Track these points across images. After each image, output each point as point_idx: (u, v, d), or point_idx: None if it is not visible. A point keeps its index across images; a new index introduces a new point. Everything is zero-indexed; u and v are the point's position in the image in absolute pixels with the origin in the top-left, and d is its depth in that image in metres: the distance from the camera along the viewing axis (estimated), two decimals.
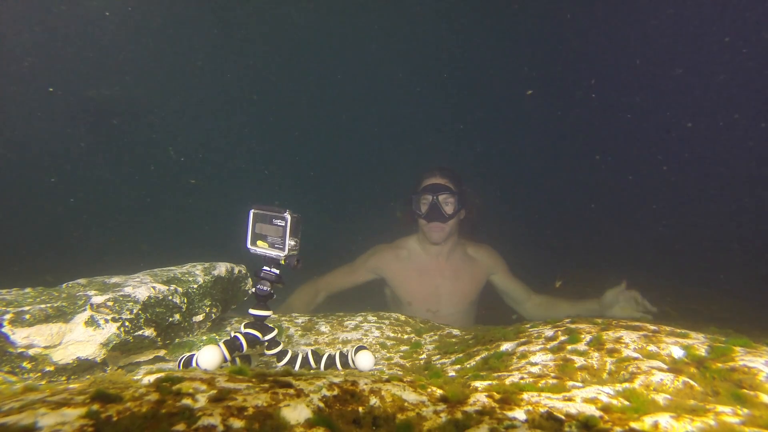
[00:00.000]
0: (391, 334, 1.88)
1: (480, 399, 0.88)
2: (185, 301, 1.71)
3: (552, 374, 1.10)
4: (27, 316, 1.41)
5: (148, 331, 1.55)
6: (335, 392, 0.84)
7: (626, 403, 0.88)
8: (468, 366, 1.35)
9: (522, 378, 1.08)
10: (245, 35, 8.92)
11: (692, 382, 0.98)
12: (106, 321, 1.48)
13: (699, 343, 1.17)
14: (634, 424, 0.77)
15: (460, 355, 1.49)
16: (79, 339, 1.43)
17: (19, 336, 1.39)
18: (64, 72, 7.52)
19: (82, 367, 1.43)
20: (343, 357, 1.44)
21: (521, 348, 1.33)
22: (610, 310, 2.71)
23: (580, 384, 1.02)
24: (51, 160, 7.67)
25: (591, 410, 0.84)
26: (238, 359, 1.38)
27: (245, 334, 1.33)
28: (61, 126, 7.65)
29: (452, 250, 3.15)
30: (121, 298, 1.55)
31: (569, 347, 1.23)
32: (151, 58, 8.38)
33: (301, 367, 1.43)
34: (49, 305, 1.48)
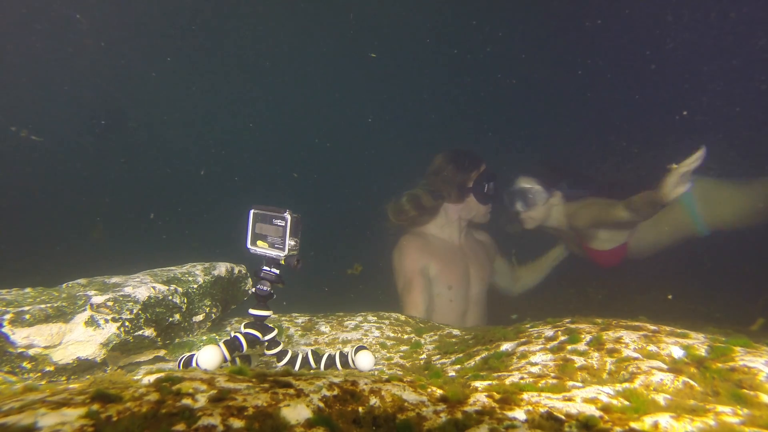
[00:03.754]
0: (391, 334, 1.89)
1: (480, 399, 0.88)
2: (185, 301, 1.71)
3: (552, 374, 1.10)
4: (27, 316, 1.41)
5: (148, 331, 1.55)
6: (335, 392, 0.84)
7: (626, 403, 0.88)
8: (468, 366, 1.35)
9: (522, 378, 1.08)
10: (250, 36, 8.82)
11: (692, 382, 0.98)
12: (106, 321, 1.48)
13: (699, 343, 1.17)
14: (634, 424, 0.77)
15: (460, 355, 1.49)
16: (79, 339, 1.43)
17: (19, 336, 1.39)
18: (67, 71, 7.51)
19: (82, 367, 1.43)
20: (343, 357, 1.44)
21: (521, 348, 1.33)
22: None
23: (580, 384, 1.02)
24: (51, 159, 7.65)
25: (591, 410, 0.84)
26: (238, 359, 1.38)
27: (245, 334, 1.33)
28: (61, 124, 7.64)
29: (466, 234, 3.26)
30: (121, 298, 1.55)
31: (569, 347, 1.24)
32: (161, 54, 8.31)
33: (301, 367, 1.43)
34: (49, 305, 1.48)
